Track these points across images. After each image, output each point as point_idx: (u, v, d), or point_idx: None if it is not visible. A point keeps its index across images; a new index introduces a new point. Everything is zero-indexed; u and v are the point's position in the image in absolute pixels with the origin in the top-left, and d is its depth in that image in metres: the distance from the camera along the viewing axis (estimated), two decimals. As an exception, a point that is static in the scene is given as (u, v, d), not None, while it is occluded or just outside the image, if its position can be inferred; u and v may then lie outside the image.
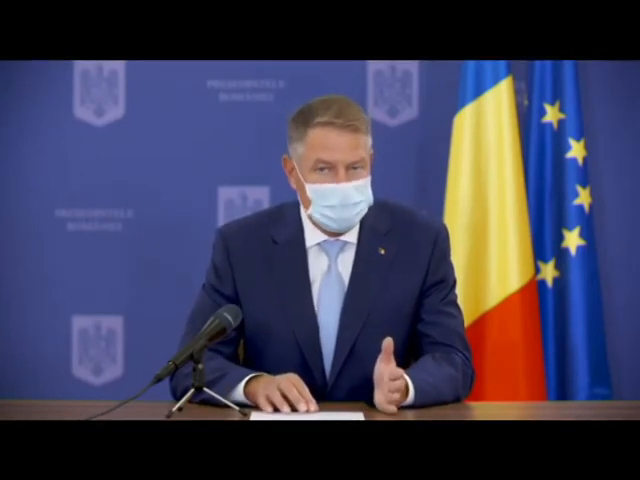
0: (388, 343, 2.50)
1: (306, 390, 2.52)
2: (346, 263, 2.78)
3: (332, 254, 2.78)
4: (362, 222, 2.79)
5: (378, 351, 2.56)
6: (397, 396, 2.52)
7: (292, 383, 2.52)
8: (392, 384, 2.51)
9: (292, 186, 2.80)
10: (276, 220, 2.82)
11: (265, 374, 2.61)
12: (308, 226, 2.79)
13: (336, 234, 2.77)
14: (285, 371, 2.60)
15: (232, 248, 2.80)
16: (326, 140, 2.69)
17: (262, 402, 2.51)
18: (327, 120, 2.68)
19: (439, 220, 2.92)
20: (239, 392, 2.57)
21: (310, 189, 2.71)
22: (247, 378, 2.58)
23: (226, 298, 2.76)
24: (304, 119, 2.72)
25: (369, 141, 2.74)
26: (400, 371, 2.53)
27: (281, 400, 2.49)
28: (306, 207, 2.75)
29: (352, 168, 2.70)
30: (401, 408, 2.55)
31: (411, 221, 2.82)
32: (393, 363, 2.52)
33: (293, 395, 2.49)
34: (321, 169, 2.70)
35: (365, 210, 2.74)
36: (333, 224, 2.73)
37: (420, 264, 2.78)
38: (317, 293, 2.76)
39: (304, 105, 2.75)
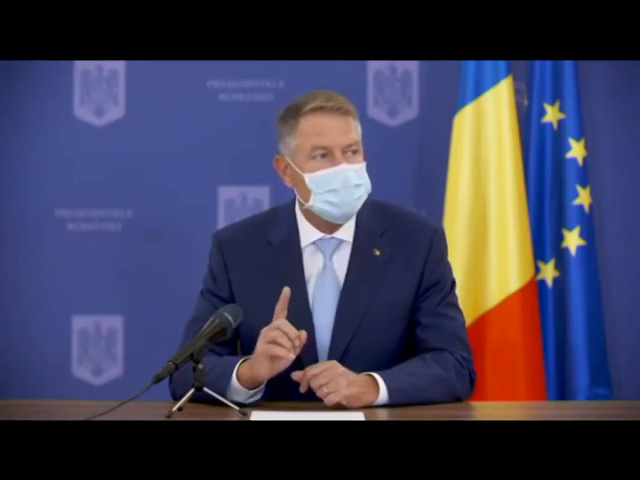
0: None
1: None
2: (341, 262, 2.78)
3: (327, 252, 2.78)
4: (358, 222, 2.80)
5: (373, 352, 2.57)
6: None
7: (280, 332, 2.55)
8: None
9: (288, 185, 2.80)
10: (271, 222, 2.83)
11: (249, 357, 2.62)
12: (303, 225, 2.80)
13: (331, 230, 2.77)
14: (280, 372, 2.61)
15: (227, 251, 2.81)
16: (319, 126, 2.70)
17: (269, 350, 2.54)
18: (317, 105, 2.71)
19: (435, 221, 2.92)
20: (233, 380, 2.59)
21: (309, 178, 2.72)
22: (236, 369, 2.60)
23: (223, 301, 2.76)
24: (294, 111, 2.73)
25: (359, 128, 2.76)
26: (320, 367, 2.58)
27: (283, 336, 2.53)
28: (306, 200, 2.75)
29: (348, 152, 2.71)
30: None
31: (407, 222, 2.82)
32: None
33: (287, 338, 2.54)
34: (320, 156, 2.71)
35: (365, 196, 2.74)
36: (335, 210, 2.72)
37: (416, 266, 2.77)
38: (312, 292, 2.76)
39: (290, 103, 2.77)
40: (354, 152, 2.72)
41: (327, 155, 2.71)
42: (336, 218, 2.75)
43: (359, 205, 2.74)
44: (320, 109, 2.70)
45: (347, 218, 2.76)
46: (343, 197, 2.70)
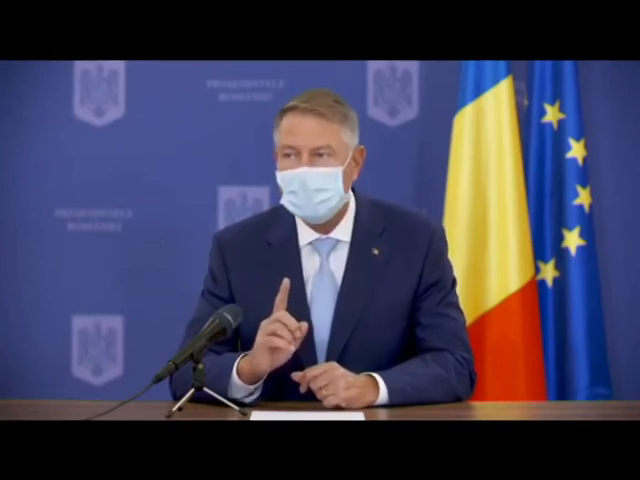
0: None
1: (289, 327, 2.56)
2: (339, 262, 2.77)
3: (323, 253, 2.78)
4: (356, 221, 2.79)
5: (372, 351, 2.57)
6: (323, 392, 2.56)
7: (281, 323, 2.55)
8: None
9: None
10: (271, 222, 2.83)
11: (248, 352, 2.62)
12: (301, 225, 2.80)
13: (326, 230, 2.77)
14: (280, 371, 2.60)
15: (227, 252, 2.81)
16: (292, 125, 2.69)
17: (269, 341, 2.54)
18: (293, 104, 2.70)
19: (435, 220, 2.92)
20: (234, 376, 2.59)
21: (278, 176, 2.73)
22: (236, 364, 2.60)
23: (223, 301, 2.76)
24: (281, 109, 2.74)
25: (345, 133, 2.71)
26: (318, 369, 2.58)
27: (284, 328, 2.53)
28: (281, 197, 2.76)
29: (317, 155, 2.68)
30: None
31: (406, 221, 2.81)
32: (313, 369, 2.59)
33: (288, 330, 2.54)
34: (287, 155, 2.70)
35: (335, 201, 2.71)
36: (297, 211, 2.72)
37: (415, 265, 2.77)
38: (310, 292, 2.76)
39: None
40: (324, 155, 2.69)
41: (296, 155, 2.69)
42: (301, 217, 2.75)
43: (324, 209, 2.71)
44: (295, 108, 2.69)
45: (315, 220, 2.74)
46: (302, 200, 2.69)
